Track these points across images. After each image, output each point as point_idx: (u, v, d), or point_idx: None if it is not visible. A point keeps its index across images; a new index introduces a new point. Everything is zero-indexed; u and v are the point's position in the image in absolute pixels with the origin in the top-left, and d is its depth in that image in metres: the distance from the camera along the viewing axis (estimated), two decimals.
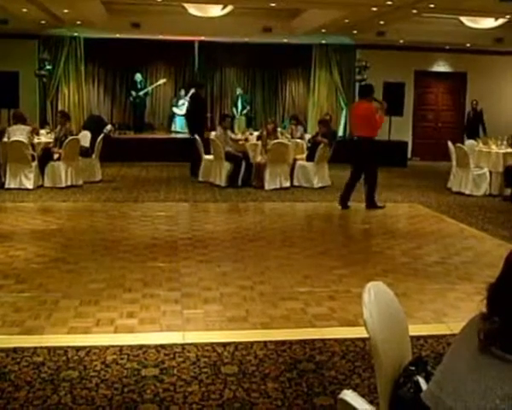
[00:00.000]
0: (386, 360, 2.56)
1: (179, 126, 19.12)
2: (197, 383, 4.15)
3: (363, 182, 10.94)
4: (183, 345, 4.75)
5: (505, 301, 1.96)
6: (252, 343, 4.83)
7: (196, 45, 19.26)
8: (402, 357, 2.68)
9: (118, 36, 17.68)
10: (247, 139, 13.71)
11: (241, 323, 5.33)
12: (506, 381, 1.84)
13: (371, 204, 10.89)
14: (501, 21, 14.54)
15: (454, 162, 13.18)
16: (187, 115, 15.27)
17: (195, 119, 14.20)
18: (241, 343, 4.82)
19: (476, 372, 1.92)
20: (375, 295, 2.68)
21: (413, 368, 2.59)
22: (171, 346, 4.73)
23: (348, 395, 1.99)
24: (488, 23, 14.73)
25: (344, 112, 19.26)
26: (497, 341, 1.91)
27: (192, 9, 13.78)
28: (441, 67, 19.77)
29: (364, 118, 10.46)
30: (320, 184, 12.91)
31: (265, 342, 4.86)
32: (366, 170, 10.79)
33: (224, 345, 4.78)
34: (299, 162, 13.07)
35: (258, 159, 12.86)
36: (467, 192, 12.63)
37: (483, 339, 1.94)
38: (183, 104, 18.92)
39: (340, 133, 18.75)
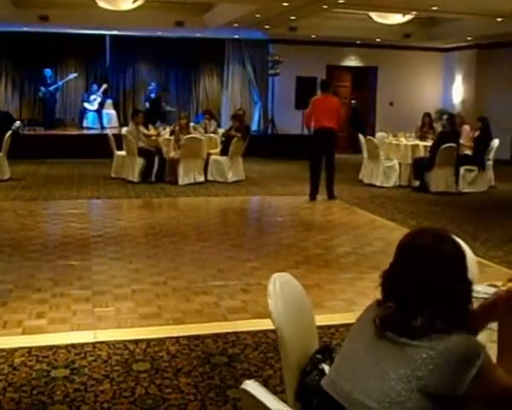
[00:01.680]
0: (292, 349, 2.59)
1: (91, 122, 18.76)
2: (108, 381, 4.09)
3: (325, 173, 11.31)
4: (94, 344, 4.67)
5: (398, 286, 2.02)
6: (164, 339, 4.79)
7: (108, 39, 18.93)
8: (308, 346, 2.72)
9: (25, 29, 17.16)
10: (159, 134, 13.56)
11: (154, 319, 5.28)
12: (401, 363, 1.90)
13: (333, 195, 11.28)
14: (408, 17, 14.93)
15: (365, 155, 13.46)
16: None
17: None
18: (153, 340, 4.77)
19: (373, 357, 1.97)
20: (280, 286, 2.71)
21: (320, 356, 2.63)
22: (82, 345, 4.63)
23: (250, 386, 1.99)
24: (396, 19, 15.08)
25: (258, 106, 19.36)
26: (392, 325, 1.97)
27: (102, 3, 13.50)
28: (352, 61, 20.13)
29: (334, 111, 11.08)
30: (234, 179, 12.94)
31: (178, 338, 4.82)
32: (331, 160, 11.23)
33: (136, 342, 4.72)
34: (212, 157, 13.06)
35: (172, 154, 12.76)
36: (377, 184, 12.92)
37: (378, 324, 2.00)
38: (95, 100, 18.58)
39: (254, 127, 18.84)
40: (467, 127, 13.71)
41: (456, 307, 1.98)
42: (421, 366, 1.87)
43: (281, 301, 2.63)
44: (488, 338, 2.28)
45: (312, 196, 11.21)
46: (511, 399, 1.98)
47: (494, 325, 2.20)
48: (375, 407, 1.88)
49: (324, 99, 11.31)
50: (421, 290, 1.98)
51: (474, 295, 2.46)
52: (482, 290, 2.44)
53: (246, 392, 1.98)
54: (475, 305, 2.20)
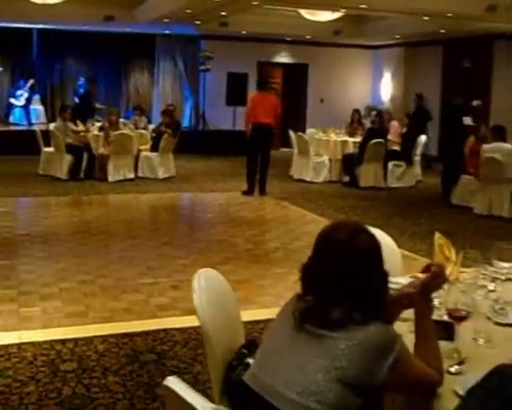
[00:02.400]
0: (217, 344, 2.60)
1: (18, 118, 18.31)
2: (34, 382, 4.02)
3: (260, 168, 11.36)
4: (19, 345, 4.57)
5: (316, 279, 2.05)
6: (92, 338, 4.73)
7: (35, 33, 18.49)
8: (234, 341, 2.73)
9: None
10: (88, 130, 13.33)
11: (81, 318, 5.22)
12: (320, 354, 1.93)
13: (264, 191, 11.36)
14: (338, 15, 15.09)
15: (295, 150, 13.57)
16: None
17: None
18: (80, 339, 4.71)
19: (293, 349, 2.00)
20: (205, 281, 2.72)
21: (245, 351, 2.64)
22: (6, 347, 4.53)
23: (172, 382, 1.99)
24: (326, 16, 15.21)
25: (189, 102, 19.27)
26: (311, 318, 1.99)
27: None
28: (283, 58, 20.22)
29: (272, 108, 11.27)
30: (165, 175, 12.83)
31: (106, 336, 4.78)
32: (266, 157, 11.34)
33: (63, 342, 4.65)
34: (143, 153, 12.92)
35: (101, 150, 12.57)
36: (308, 179, 13.04)
37: (298, 317, 2.02)
38: (22, 95, 18.14)
39: (186, 123, 18.75)
40: (395, 123, 14.00)
41: (373, 299, 2.02)
42: (340, 357, 1.91)
43: (205, 297, 2.64)
44: (408, 329, 2.33)
45: (250, 192, 11.27)
46: (427, 386, 2.04)
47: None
48: (295, 398, 1.90)
49: (262, 97, 11.42)
50: (338, 283, 2.01)
51: (395, 286, 2.53)
52: (404, 282, 2.49)
53: (168, 388, 1.98)
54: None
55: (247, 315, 4.92)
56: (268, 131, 11.27)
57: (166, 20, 15.90)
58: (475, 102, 12.78)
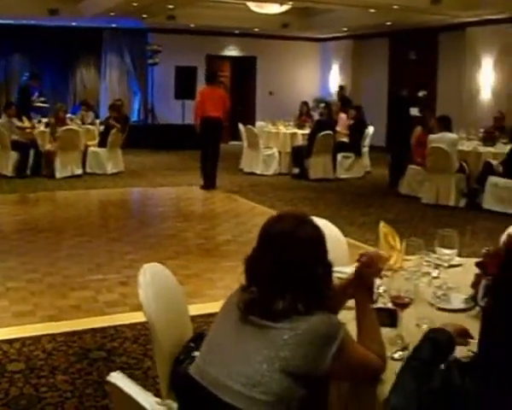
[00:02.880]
0: (164, 338, 2.59)
1: None
2: None
3: (210, 162, 11.34)
4: None
5: (260, 271, 2.05)
6: (40, 337, 4.66)
7: None
8: (181, 335, 2.72)
9: None
10: (34, 127, 13.09)
11: (29, 317, 5.13)
12: (264, 345, 1.94)
13: (215, 184, 11.34)
14: (286, 7, 15.12)
15: (245, 143, 13.58)
16: None
17: None
18: (28, 338, 4.63)
19: (238, 341, 2.00)
20: (151, 276, 2.70)
21: (193, 345, 2.64)
22: None
23: (116, 377, 1.97)
24: (274, 9, 15.23)
25: (138, 96, 19.10)
26: (255, 309, 2.00)
27: None
28: (232, 51, 20.21)
29: (221, 101, 11.30)
30: (114, 171, 12.69)
31: (54, 335, 4.71)
32: (216, 150, 11.36)
33: (10, 342, 4.57)
34: (90, 149, 12.76)
35: (48, 147, 12.36)
36: (258, 172, 13.07)
37: (243, 308, 2.02)
38: None
39: (134, 118, 18.58)
40: (343, 115, 14.11)
41: (317, 289, 2.03)
42: (284, 347, 1.91)
43: (151, 291, 2.62)
44: (352, 317, 2.35)
45: (207, 187, 11.25)
46: (371, 373, 2.07)
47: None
48: (240, 389, 1.91)
49: (211, 90, 11.39)
50: (282, 274, 2.02)
51: (342, 275, 2.56)
52: (350, 271, 2.51)
53: (113, 384, 1.96)
54: None
55: (197, 309, 4.92)
56: (217, 124, 11.26)
57: (113, 14, 15.72)
58: (421, 93, 12.98)
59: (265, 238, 2.11)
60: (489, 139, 10.96)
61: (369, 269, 2.27)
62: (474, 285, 2.64)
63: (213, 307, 5.17)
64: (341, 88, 17.76)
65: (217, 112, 11.17)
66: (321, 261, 2.08)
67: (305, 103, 14.88)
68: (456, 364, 1.54)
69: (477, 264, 2.70)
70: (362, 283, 2.26)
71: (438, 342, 1.87)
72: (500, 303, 1.44)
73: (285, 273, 2.02)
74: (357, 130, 13.20)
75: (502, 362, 1.38)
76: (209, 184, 11.30)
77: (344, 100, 16.46)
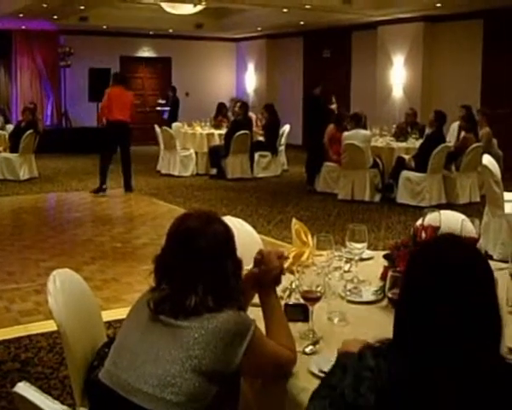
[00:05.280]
0: (76, 345, 2.53)
1: None
2: None
3: (122, 165, 11.20)
4: None
5: (170, 269, 2.05)
6: None
7: None
8: (94, 341, 2.67)
9: None
10: None
11: None
12: (174, 345, 1.93)
13: (130, 187, 11.21)
14: (199, 8, 15.08)
15: (162, 145, 13.47)
16: None
17: None
18: None
19: (148, 342, 1.99)
20: (61, 282, 2.64)
21: (107, 350, 2.58)
22: None
23: (21, 388, 1.92)
24: (187, 9, 15.17)
25: (50, 99, 18.68)
26: (166, 307, 1.99)
27: None
28: (146, 52, 20.05)
29: (128, 104, 11.06)
30: (27, 176, 12.35)
31: None
32: (126, 153, 11.16)
33: None
34: (1, 154, 12.38)
35: None
36: (175, 174, 12.99)
37: (153, 307, 2.01)
38: None
39: (48, 122, 18.17)
40: (252, 115, 14.14)
41: (226, 285, 2.04)
42: (194, 346, 1.91)
43: (61, 298, 2.56)
44: (261, 314, 2.36)
45: (100, 190, 10.98)
46: (282, 366, 2.08)
47: None
48: (151, 391, 1.89)
49: (119, 92, 11.13)
50: (191, 271, 2.02)
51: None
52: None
53: (18, 395, 1.90)
54: None
55: (115, 314, 4.85)
56: (124, 128, 11.05)
57: (22, 15, 15.32)
58: (317, 90, 13.18)
59: (174, 236, 2.12)
60: (401, 135, 11.26)
61: (266, 266, 2.28)
62: (383, 277, 2.70)
63: None
64: (173, 88, 18.07)
65: (123, 115, 10.91)
66: (229, 257, 2.09)
67: (221, 104, 14.89)
68: (369, 349, 1.56)
69: (385, 256, 2.76)
70: (262, 280, 2.27)
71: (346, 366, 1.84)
72: (405, 298, 1.50)
73: (194, 270, 2.02)
74: (270, 129, 13.29)
75: (412, 340, 1.43)
76: (102, 187, 10.99)
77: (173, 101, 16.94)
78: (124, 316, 4.72)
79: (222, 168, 12.62)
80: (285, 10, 14.92)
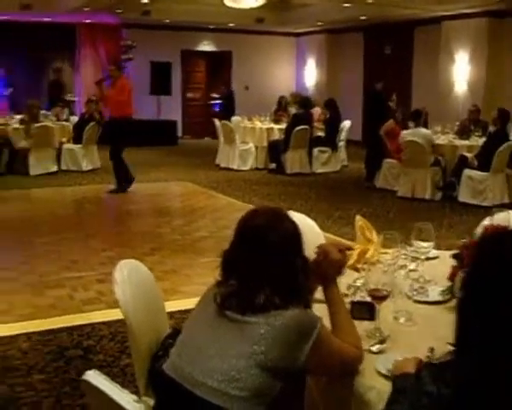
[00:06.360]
0: (141, 336, 2.56)
1: None
2: None
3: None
4: None
5: (238, 264, 2.05)
6: (16, 336, 4.61)
7: None
8: (159, 332, 2.70)
9: None
10: (7, 124, 12.93)
11: (4, 316, 5.07)
12: (240, 340, 1.93)
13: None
14: (261, 2, 15.08)
15: (221, 139, 13.54)
16: None
17: None
18: (3, 338, 4.59)
19: (213, 337, 1.99)
20: (127, 272, 2.67)
21: (171, 341, 2.61)
22: None
23: (90, 376, 1.95)
24: (248, 3, 15.19)
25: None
26: (233, 303, 1.99)
27: None
28: (206, 46, 20.15)
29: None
30: (89, 167, 12.59)
31: (30, 334, 4.66)
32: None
33: None
34: (65, 145, 12.64)
35: (22, 144, 12.23)
36: (234, 167, 13.03)
37: (220, 302, 2.01)
38: None
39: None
40: (318, 109, 14.11)
41: (293, 283, 2.03)
42: (260, 342, 1.91)
43: (128, 288, 2.59)
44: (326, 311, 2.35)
45: (129, 182, 10.60)
46: (349, 364, 2.06)
47: None
48: (215, 385, 1.90)
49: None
50: (260, 268, 2.02)
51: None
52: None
53: (87, 383, 1.93)
54: None
55: (174, 305, 4.90)
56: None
57: (87, 9, 15.59)
58: (379, 85, 13.01)
59: (242, 232, 2.12)
60: (464, 132, 11.05)
61: (327, 260, 2.26)
62: (451, 277, 2.65)
63: (190, 303, 5.10)
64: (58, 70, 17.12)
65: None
66: (297, 255, 2.08)
67: (282, 98, 14.86)
68: (428, 368, 1.51)
69: (454, 256, 2.71)
70: (325, 274, 2.25)
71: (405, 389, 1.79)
72: (472, 295, 1.44)
73: (262, 267, 2.02)
74: (331, 124, 13.21)
75: (477, 354, 1.37)
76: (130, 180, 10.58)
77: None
78: (183, 307, 4.83)
79: (281, 163, 12.60)
80: (347, 5, 14.79)
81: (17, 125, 12.81)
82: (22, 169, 12.04)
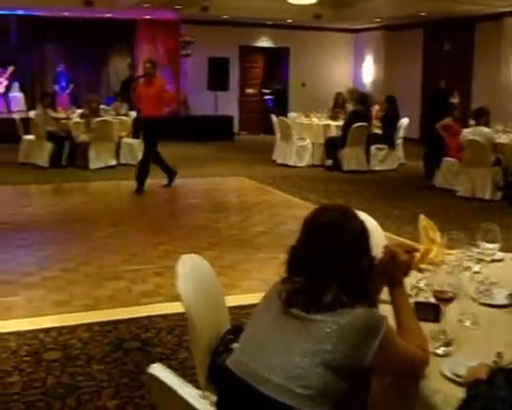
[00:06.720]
0: (202, 331, 2.57)
1: None
2: (18, 373, 3.98)
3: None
4: (1, 335, 4.53)
5: (305, 261, 2.03)
6: (76, 326, 4.70)
7: (14, 19, 18.26)
8: (219, 327, 2.71)
9: None
10: (69, 118, 13.19)
11: (65, 306, 5.17)
12: (305, 338, 1.91)
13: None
14: None
15: (278, 135, 13.53)
16: None
17: None
18: (64, 328, 4.68)
19: (278, 333, 1.98)
20: (190, 267, 2.68)
21: (231, 336, 2.62)
22: None
23: (156, 369, 1.97)
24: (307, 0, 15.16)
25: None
26: (299, 300, 1.98)
27: None
28: (264, 42, 20.15)
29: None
30: None
31: (90, 324, 4.75)
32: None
33: (47, 331, 4.62)
34: (124, 140, 12.83)
35: (82, 138, 12.46)
36: (291, 164, 13.00)
37: (285, 299, 2.00)
38: (1, 83, 17.93)
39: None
40: (376, 107, 13.99)
41: (361, 282, 2.01)
42: (325, 340, 1.89)
43: (190, 283, 2.61)
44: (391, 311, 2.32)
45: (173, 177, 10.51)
46: (415, 366, 2.03)
47: None
48: (280, 382, 1.89)
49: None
50: (329, 266, 2.00)
51: None
52: None
53: (152, 376, 1.95)
54: None
55: (232, 300, 4.90)
56: None
57: (146, 5, 15.77)
58: (442, 83, 12.78)
59: (310, 228, 2.10)
60: None
61: (395, 261, 2.23)
62: None
63: (248, 298, 5.17)
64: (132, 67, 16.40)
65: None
66: (365, 254, 2.06)
67: (339, 94, 14.76)
68: (503, 373, 1.47)
69: None
70: (392, 275, 2.22)
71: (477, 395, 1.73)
72: None
73: (332, 264, 2.00)
74: (389, 121, 13.05)
75: None
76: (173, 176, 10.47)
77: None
78: (241, 303, 4.85)
79: (338, 160, 12.51)
80: (406, 0, 14.60)
81: (78, 120, 13.06)
82: (82, 162, 12.28)
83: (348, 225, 2.05)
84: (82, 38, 18.81)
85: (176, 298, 5.06)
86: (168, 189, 10.54)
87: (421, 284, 2.70)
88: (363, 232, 2.09)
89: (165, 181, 10.60)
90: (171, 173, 10.58)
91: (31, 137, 12.69)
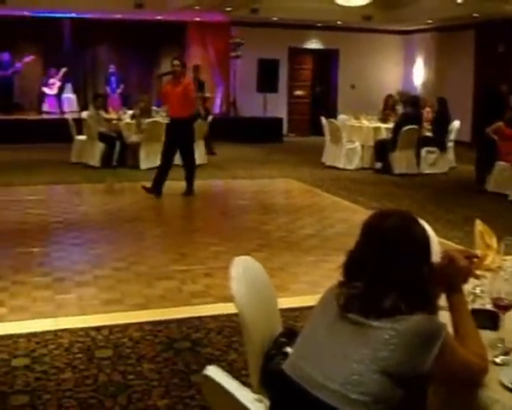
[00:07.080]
0: (255, 333, 2.57)
1: (50, 106, 18.41)
2: (70, 369, 4.05)
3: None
4: (55, 332, 4.60)
5: (365, 266, 2.01)
6: (127, 325, 4.75)
7: (67, 22, 18.60)
8: (272, 330, 2.70)
9: None
10: (120, 118, 13.36)
11: (116, 305, 5.23)
12: (363, 344, 1.90)
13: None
14: (369, 0, 14.93)
15: (327, 137, 13.47)
16: None
17: None
18: (116, 326, 4.73)
19: (335, 338, 1.97)
20: (243, 269, 2.69)
21: (284, 340, 2.61)
22: (43, 333, 4.56)
23: (212, 371, 1.97)
24: (357, 1, 15.06)
25: (220, 89, 19.27)
26: (357, 305, 1.96)
27: None
28: (314, 44, 20.10)
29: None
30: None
31: (141, 324, 4.79)
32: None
33: (99, 329, 4.67)
34: None
35: (133, 138, 12.61)
36: (340, 166, 12.93)
37: (343, 304, 1.98)
38: (54, 84, 18.27)
39: (217, 110, 18.76)
40: (427, 109, 13.82)
41: (421, 289, 1.98)
42: (383, 347, 1.87)
43: (243, 285, 2.61)
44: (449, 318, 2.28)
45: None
46: (474, 374, 2.00)
47: None
48: (336, 388, 1.87)
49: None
50: (389, 272, 1.97)
51: None
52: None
53: (208, 378, 1.96)
54: None
55: (282, 303, 4.88)
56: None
57: (197, 8, 15.89)
58: (504, 87, 12.55)
59: (371, 233, 2.07)
60: None
61: (454, 267, 2.18)
62: None
63: (298, 301, 5.18)
64: (196, 69, 15.48)
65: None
66: (426, 261, 2.04)
67: (389, 96, 14.63)
68: None
69: None
70: (451, 281, 2.17)
71: None
72: None
73: (392, 270, 1.97)
74: (439, 124, 12.87)
75: None
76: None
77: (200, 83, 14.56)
78: (290, 306, 4.84)
79: (388, 163, 12.39)
80: (459, 1, 14.38)
81: (129, 120, 13.23)
82: (133, 163, 12.43)
83: (410, 231, 2.03)
84: (133, 40, 19.07)
85: (226, 299, 5.13)
86: (197, 190, 10.09)
87: (478, 291, 2.65)
88: (424, 239, 2.06)
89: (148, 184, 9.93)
90: (157, 185, 9.82)
91: (83, 137, 12.91)
